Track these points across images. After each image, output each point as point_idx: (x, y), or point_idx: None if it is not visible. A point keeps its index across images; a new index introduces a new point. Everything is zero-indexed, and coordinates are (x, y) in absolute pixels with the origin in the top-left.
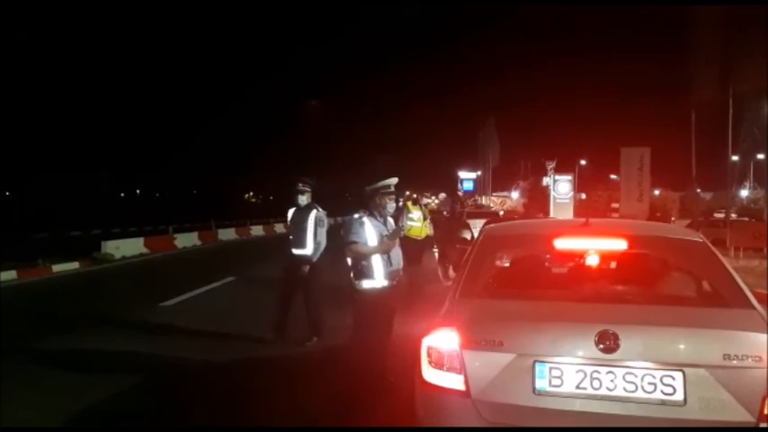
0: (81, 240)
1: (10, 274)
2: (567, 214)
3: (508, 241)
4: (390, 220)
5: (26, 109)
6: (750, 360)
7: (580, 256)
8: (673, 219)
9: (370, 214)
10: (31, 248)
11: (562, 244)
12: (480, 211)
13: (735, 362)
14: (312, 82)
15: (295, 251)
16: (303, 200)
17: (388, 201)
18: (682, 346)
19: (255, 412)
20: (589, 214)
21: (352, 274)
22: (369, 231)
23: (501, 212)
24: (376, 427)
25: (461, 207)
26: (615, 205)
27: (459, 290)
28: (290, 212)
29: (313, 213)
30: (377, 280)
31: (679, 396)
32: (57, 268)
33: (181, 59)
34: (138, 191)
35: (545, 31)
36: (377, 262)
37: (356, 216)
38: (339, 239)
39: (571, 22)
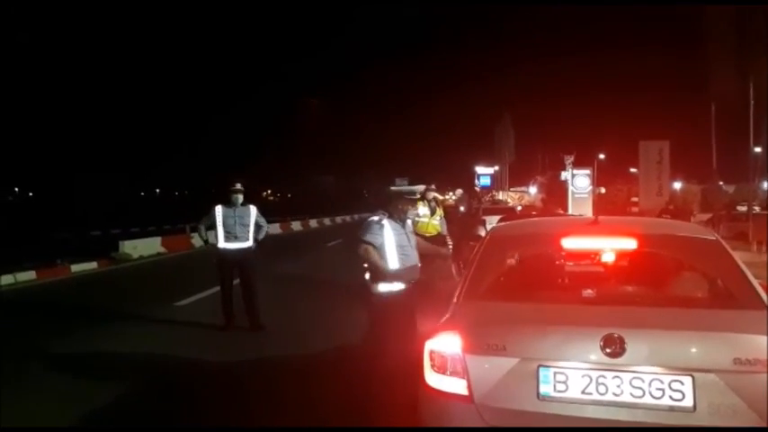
0: (100, 240)
1: (29, 275)
2: (586, 209)
3: (515, 241)
4: (409, 223)
5: (44, 111)
6: (762, 365)
7: (588, 256)
8: (694, 212)
9: (390, 217)
10: (52, 248)
11: (570, 244)
12: (496, 207)
13: (746, 366)
14: (327, 79)
15: (236, 245)
16: (239, 199)
17: (410, 207)
18: (691, 350)
19: (263, 412)
20: (608, 209)
21: (367, 276)
22: (387, 235)
23: (518, 208)
24: (377, 427)
25: (478, 203)
26: (635, 199)
27: (464, 292)
28: (219, 209)
29: (254, 210)
30: (393, 284)
31: (688, 402)
32: (75, 268)
33: (194, 58)
34: (157, 190)
35: (562, 24)
36: (393, 264)
37: (376, 218)
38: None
39: (589, 16)
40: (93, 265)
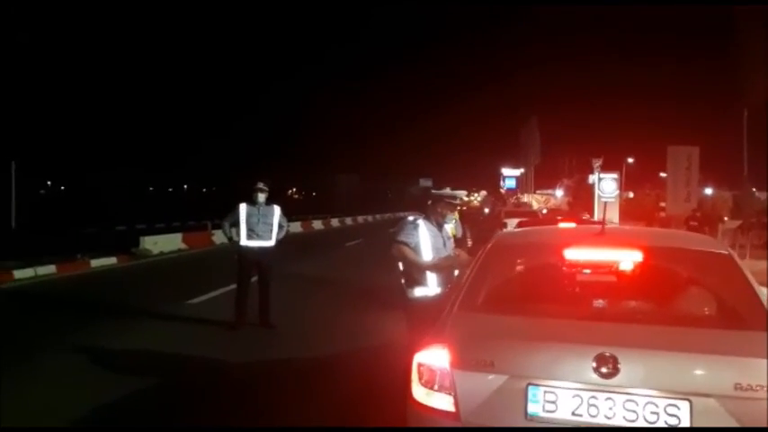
0: (124, 235)
1: (49, 269)
2: (613, 213)
3: (517, 250)
4: (447, 227)
5: (75, 107)
6: (764, 391)
7: (592, 267)
8: (724, 219)
9: (426, 218)
10: (77, 243)
11: (573, 254)
12: (519, 210)
13: (748, 392)
14: (353, 78)
15: (258, 243)
16: (262, 198)
17: (449, 211)
18: (689, 373)
19: (258, 415)
20: (636, 214)
21: (403, 281)
22: (423, 235)
23: (544, 211)
24: (378, 427)
25: (502, 205)
26: (663, 204)
27: (458, 303)
28: (243, 207)
29: (278, 210)
30: (430, 287)
31: (685, 427)
32: (95, 263)
33: (218, 57)
34: (185, 186)
35: (593, 27)
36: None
37: (411, 218)
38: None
39: (620, 19)
40: (112, 260)
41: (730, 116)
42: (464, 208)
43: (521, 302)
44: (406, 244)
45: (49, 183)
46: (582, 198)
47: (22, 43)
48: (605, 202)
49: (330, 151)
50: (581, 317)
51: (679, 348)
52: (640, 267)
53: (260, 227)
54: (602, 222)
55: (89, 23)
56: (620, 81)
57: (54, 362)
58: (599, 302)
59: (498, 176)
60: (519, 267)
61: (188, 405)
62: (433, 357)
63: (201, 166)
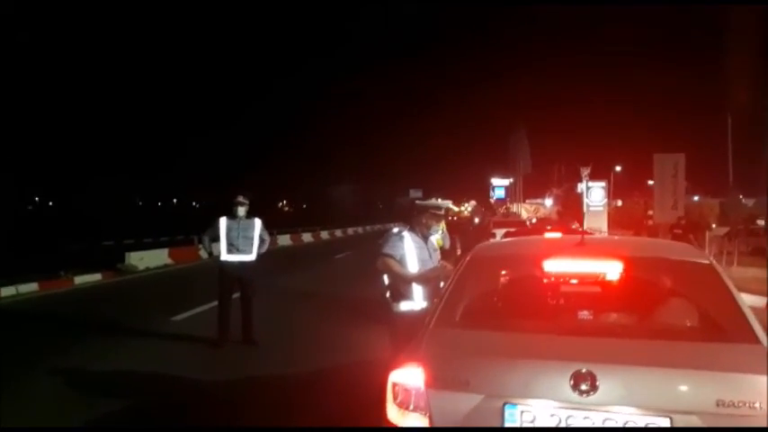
0: (111, 251)
1: (31, 286)
2: (601, 222)
3: (495, 263)
4: (432, 239)
5: (58, 119)
6: (747, 407)
7: (570, 279)
8: (711, 226)
9: (411, 230)
10: (61, 259)
11: (551, 266)
12: (507, 221)
13: (730, 409)
14: (340, 88)
15: (239, 257)
16: (242, 211)
17: (434, 222)
18: (670, 390)
19: None
20: (625, 222)
21: (388, 294)
22: (408, 247)
23: (533, 221)
24: (378, 427)
25: (492, 215)
26: (652, 212)
27: (435, 318)
28: (223, 221)
29: (258, 223)
30: (416, 302)
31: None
32: (79, 280)
33: (204, 68)
34: (174, 200)
35: (580, 35)
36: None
37: (396, 230)
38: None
39: (604, 26)
40: (97, 276)
41: (716, 123)
42: (455, 218)
43: (498, 317)
44: (391, 256)
45: (36, 199)
46: (571, 207)
47: (22, 43)
48: (587, 211)
49: (320, 163)
50: (559, 331)
51: (659, 363)
52: (620, 278)
53: (240, 241)
54: (582, 232)
55: (85, 25)
56: (607, 90)
57: (30, 384)
58: (578, 316)
59: (488, 186)
60: (497, 280)
61: (165, 424)
62: (408, 376)
63: (190, 178)
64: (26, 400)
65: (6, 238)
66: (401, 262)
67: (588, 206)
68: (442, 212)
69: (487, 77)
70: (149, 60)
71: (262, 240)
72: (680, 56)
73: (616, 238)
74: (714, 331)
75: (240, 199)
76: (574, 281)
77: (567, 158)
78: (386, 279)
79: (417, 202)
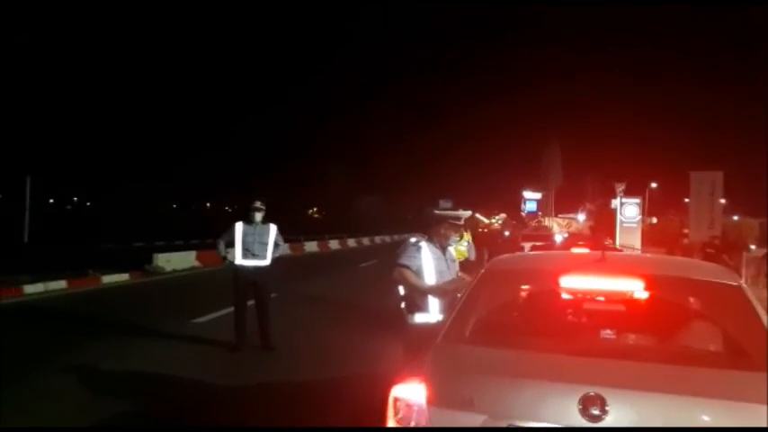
0: (140, 252)
1: (60, 284)
2: (635, 239)
3: (511, 277)
4: (451, 250)
5: (93, 121)
6: None
7: (588, 296)
8: (752, 246)
9: (429, 240)
10: (93, 258)
11: (569, 282)
12: (536, 234)
13: None
14: (375, 98)
15: (254, 262)
16: (259, 217)
17: (453, 233)
18: (684, 419)
19: None
20: (658, 239)
21: (403, 305)
22: (425, 258)
23: (564, 235)
24: (378, 427)
25: (523, 228)
26: (687, 231)
27: (443, 333)
28: (239, 226)
29: (274, 229)
30: (432, 314)
31: None
32: (106, 279)
33: (228, 69)
34: (207, 204)
35: (615, 47)
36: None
37: (413, 240)
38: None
39: (642, 40)
40: (124, 276)
41: (759, 141)
42: (486, 230)
43: (510, 333)
44: (408, 267)
45: (75, 199)
46: (604, 223)
47: (22, 43)
48: (620, 228)
49: (350, 170)
50: (571, 351)
51: (675, 390)
52: (640, 298)
53: (256, 246)
54: (603, 248)
55: (88, 28)
56: (645, 105)
57: (39, 381)
58: (592, 335)
59: (519, 199)
60: (511, 295)
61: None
62: (410, 392)
63: (222, 182)
64: (32, 398)
65: (37, 237)
66: (418, 273)
67: (622, 222)
68: (461, 222)
69: (522, 87)
70: (173, 62)
71: (276, 245)
72: (722, 70)
73: (640, 255)
74: (738, 358)
75: (257, 204)
76: (599, 298)
77: (602, 173)
78: (401, 290)
79: (436, 211)
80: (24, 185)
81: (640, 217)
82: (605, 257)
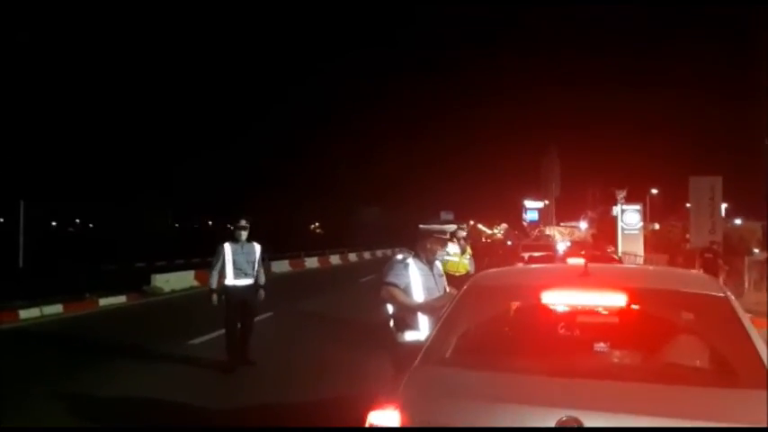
0: (141, 272)
1: (56, 308)
2: (637, 246)
3: (493, 293)
4: (438, 264)
5: (93, 136)
6: None
7: (569, 312)
8: (756, 250)
9: (416, 256)
10: (92, 280)
11: (550, 298)
12: (537, 244)
13: None
14: (371, 109)
15: (244, 281)
16: (244, 235)
17: (439, 247)
18: None
19: None
20: (661, 246)
21: (392, 323)
22: (413, 275)
23: (567, 244)
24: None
25: (525, 238)
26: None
27: (422, 355)
28: (228, 247)
29: (258, 247)
30: (422, 331)
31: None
32: (103, 302)
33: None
34: (210, 222)
35: (612, 54)
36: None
37: (400, 257)
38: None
39: (639, 47)
40: (121, 299)
41: (759, 143)
42: (489, 240)
43: (490, 353)
44: (395, 285)
45: (77, 221)
46: (606, 231)
47: (21, 43)
48: (621, 235)
49: (351, 184)
50: (551, 372)
51: (655, 412)
52: (624, 313)
53: (245, 265)
54: (601, 258)
55: (87, 30)
56: (645, 111)
57: (30, 406)
58: (574, 354)
59: (521, 208)
60: (493, 312)
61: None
62: (384, 419)
63: (223, 201)
64: (23, 422)
65: (35, 261)
66: (406, 290)
67: (623, 229)
68: (447, 236)
69: (522, 96)
70: (175, 70)
71: (262, 262)
72: (720, 76)
73: (625, 267)
74: (724, 374)
75: (243, 223)
76: (584, 315)
77: (603, 181)
78: (389, 308)
79: (421, 226)
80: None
81: (642, 223)
82: (589, 271)
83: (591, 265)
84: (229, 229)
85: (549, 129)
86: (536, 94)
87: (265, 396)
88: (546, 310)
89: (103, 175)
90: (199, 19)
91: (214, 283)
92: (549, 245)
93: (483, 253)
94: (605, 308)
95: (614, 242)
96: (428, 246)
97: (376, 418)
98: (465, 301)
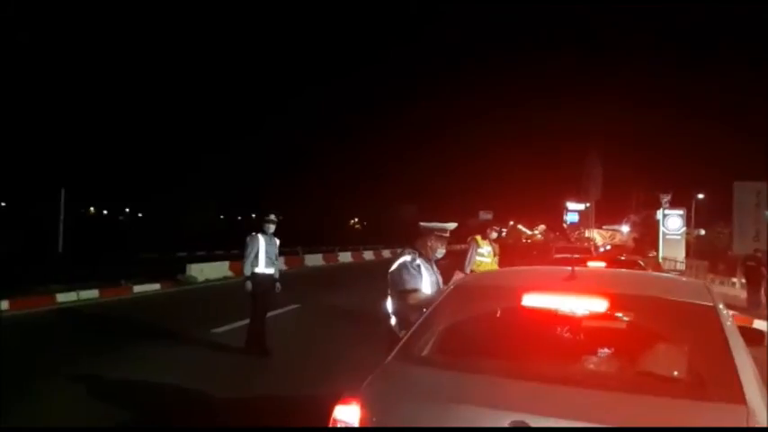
0: (181, 261)
1: (92, 293)
2: (678, 251)
3: (475, 294)
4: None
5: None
6: None
7: (550, 316)
8: None
9: (420, 255)
10: (134, 267)
11: (531, 301)
12: (571, 246)
13: None
14: (413, 109)
15: (266, 270)
16: (272, 228)
17: (439, 245)
18: None
19: None
20: (708, 253)
21: (393, 322)
22: (424, 276)
23: (607, 247)
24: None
25: (564, 240)
26: None
27: (395, 352)
28: (261, 237)
29: (277, 241)
30: None
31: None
32: (138, 289)
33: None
34: (253, 215)
35: (661, 54)
36: None
37: (409, 258)
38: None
39: (686, 51)
40: (156, 286)
41: None
42: (529, 241)
43: (464, 354)
44: (418, 290)
45: (127, 210)
46: (649, 235)
47: (22, 43)
48: (663, 239)
49: (390, 182)
50: (516, 375)
51: (608, 421)
52: (604, 318)
53: (273, 256)
54: (572, 263)
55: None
56: (694, 110)
57: (44, 389)
58: (546, 358)
59: (562, 210)
60: (474, 313)
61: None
62: (347, 414)
63: (265, 196)
64: (36, 403)
65: (74, 248)
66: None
67: (665, 234)
68: (447, 234)
69: (565, 101)
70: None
71: (280, 254)
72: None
73: (614, 272)
74: (696, 386)
75: (273, 217)
76: (565, 320)
77: (649, 184)
78: (389, 306)
79: (421, 223)
80: (59, 197)
81: (684, 228)
82: (575, 274)
83: (579, 269)
84: (255, 220)
85: (594, 132)
86: (583, 95)
87: (272, 387)
88: (527, 313)
89: (152, 167)
90: (246, 8)
91: (248, 271)
92: (585, 248)
93: (522, 253)
94: (587, 313)
95: (656, 247)
96: (429, 243)
97: (339, 412)
98: (448, 301)
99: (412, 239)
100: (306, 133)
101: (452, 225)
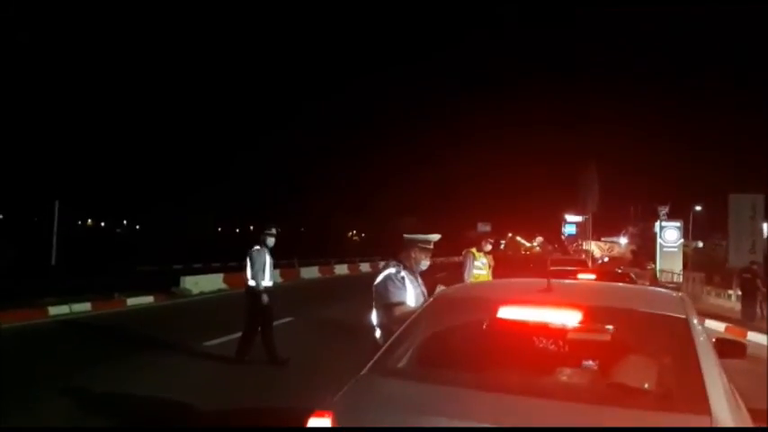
0: (176, 274)
1: (85, 306)
2: (675, 263)
3: (455, 306)
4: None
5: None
6: None
7: (529, 327)
8: None
9: (405, 267)
10: (124, 281)
11: (507, 313)
12: (567, 259)
13: None
14: (408, 121)
15: (269, 283)
16: (273, 241)
17: (424, 257)
18: None
19: None
20: (705, 265)
21: (378, 333)
22: (408, 288)
23: (605, 259)
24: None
25: (562, 252)
26: None
27: (371, 364)
28: (266, 252)
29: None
30: None
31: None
32: (131, 302)
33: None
34: (251, 227)
35: (653, 68)
36: None
37: (393, 271)
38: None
39: (682, 61)
40: (149, 299)
41: None
42: (528, 252)
43: (437, 366)
44: (404, 302)
45: (125, 222)
46: (647, 247)
47: (22, 43)
48: (660, 252)
49: (390, 195)
50: (487, 387)
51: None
52: (577, 330)
53: (271, 268)
54: (548, 276)
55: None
56: (691, 125)
57: (35, 403)
58: (518, 370)
59: (560, 222)
60: (451, 325)
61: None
62: (320, 425)
63: (262, 208)
64: (26, 417)
65: (67, 260)
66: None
67: (662, 246)
68: (431, 246)
69: (562, 113)
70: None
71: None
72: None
73: (590, 284)
74: (664, 397)
75: (273, 231)
76: (541, 332)
77: (646, 196)
78: (374, 318)
79: (405, 235)
80: (53, 209)
81: (681, 241)
82: (551, 287)
83: (554, 281)
84: (254, 233)
85: (592, 144)
86: (580, 106)
87: (261, 400)
88: (504, 325)
89: (151, 180)
90: (241, 19)
91: (262, 284)
92: (579, 260)
93: (520, 265)
94: (560, 325)
95: (655, 259)
96: (412, 255)
97: (313, 422)
98: (426, 313)
99: (396, 252)
100: (306, 146)
101: (436, 237)
